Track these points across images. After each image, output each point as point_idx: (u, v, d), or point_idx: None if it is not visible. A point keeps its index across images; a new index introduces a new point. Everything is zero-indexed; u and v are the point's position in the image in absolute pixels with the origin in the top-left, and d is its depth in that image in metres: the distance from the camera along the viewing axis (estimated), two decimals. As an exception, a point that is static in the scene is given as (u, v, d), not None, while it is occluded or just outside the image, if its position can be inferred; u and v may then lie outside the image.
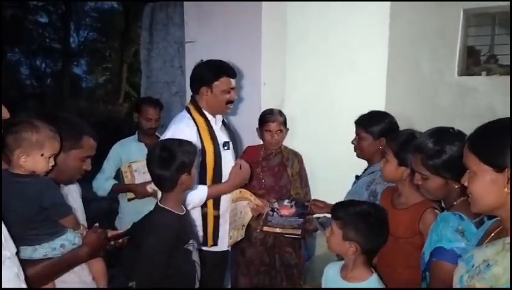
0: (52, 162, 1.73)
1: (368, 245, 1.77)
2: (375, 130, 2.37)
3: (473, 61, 5.29)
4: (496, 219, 1.31)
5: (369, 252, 1.81)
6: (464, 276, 1.25)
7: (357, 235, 1.75)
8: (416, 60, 5.28)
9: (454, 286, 1.30)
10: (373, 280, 1.79)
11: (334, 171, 3.98)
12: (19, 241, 1.60)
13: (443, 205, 1.84)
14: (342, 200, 2.49)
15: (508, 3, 4.55)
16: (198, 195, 2.35)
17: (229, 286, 3.00)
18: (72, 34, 18.64)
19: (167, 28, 6.53)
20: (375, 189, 2.23)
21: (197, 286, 2.09)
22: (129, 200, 3.30)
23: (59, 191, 1.81)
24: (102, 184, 3.27)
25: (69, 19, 17.85)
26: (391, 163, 1.99)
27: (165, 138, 2.31)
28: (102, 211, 5.16)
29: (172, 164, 1.92)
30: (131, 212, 3.08)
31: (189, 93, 4.18)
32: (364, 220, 1.76)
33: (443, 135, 1.68)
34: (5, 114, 1.29)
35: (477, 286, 1.18)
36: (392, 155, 1.99)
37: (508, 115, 1.71)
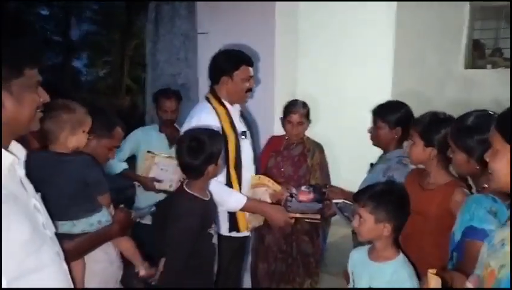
0: (87, 136, 1.86)
1: (398, 222, 1.81)
2: (392, 119, 2.40)
3: (479, 55, 5.35)
4: None
5: (398, 230, 1.85)
6: (484, 254, 1.29)
7: (388, 215, 1.79)
8: (423, 53, 5.32)
9: (477, 265, 1.33)
10: (401, 258, 1.85)
11: (341, 159, 4.02)
12: (61, 216, 1.68)
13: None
14: (357, 187, 2.55)
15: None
16: (235, 204, 2.41)
17: (249, 271, 3.04)
18: (73, 27, 18.59)
19: (173, 20, 6.54)
20: (393, 175, 2.28)
21: (215, 267, 2.16)
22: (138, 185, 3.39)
23: (101, 169, 1.91)
24: (114, 164, 3.26)
25: (70, 12, 17.80)
26: (418, 145, 2.01)
27: (189, 128, 2.35)
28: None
29: (201, 154, 1.98)
30: (148, 200, 3.10)
31: (194, 85, 4.23)
32: (392, 198, 1.81)
33: None
34: (46, 97, 1.32)
35: (491, 263, 1.21)
36: (418, 137, 2.01)
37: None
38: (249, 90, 2.53)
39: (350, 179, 3.03)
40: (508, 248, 1.18)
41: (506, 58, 5.15)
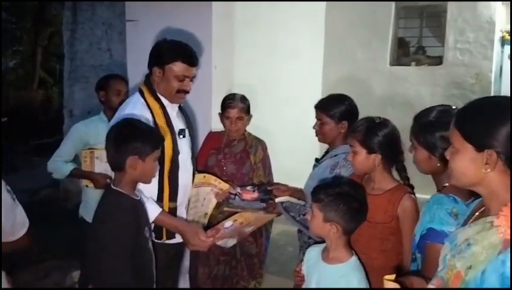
0: None
1: (348, 226, 1.77)
2: (337, 113, 2.32)
3: (403, 52, 5.58)
4: (481, 198, 1.28)
5: (348, 233, 1.80)
6: (447, 255, 1.24)
7: (337, 216, 1.74)
8: (351, 49, 5.45)
9: (439, 266, 1.29)
10: (353, 261, 1.80)
11: (279, 153, 3.97)
12: None
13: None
14: (298, 181, 2.49)
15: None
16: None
17: (187, 276, 2.86)
18: (-23, 12, 16.98)
19: (93, 8, 6.14)
20: (340, 172, 2.21)
21: (154, 274, 1.99)
22: (87, 186, 2.95)
23: None
24: (60, 167, 2.92)
25: (-27, -4, 16.24)
26: (360, 154, 1.94)
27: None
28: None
29: (120, 142, 1.83)
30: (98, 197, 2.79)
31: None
32: (345, 201, 1.76)
33: None
34: None
35: (457, 265, 1.17)
36: (359, 145, 1.94)
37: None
38: (182, 91, 2.25)
39: (289, 173, 2.98)
40: (474, 248, 1.14)
41: (429, 56, 5.42)
